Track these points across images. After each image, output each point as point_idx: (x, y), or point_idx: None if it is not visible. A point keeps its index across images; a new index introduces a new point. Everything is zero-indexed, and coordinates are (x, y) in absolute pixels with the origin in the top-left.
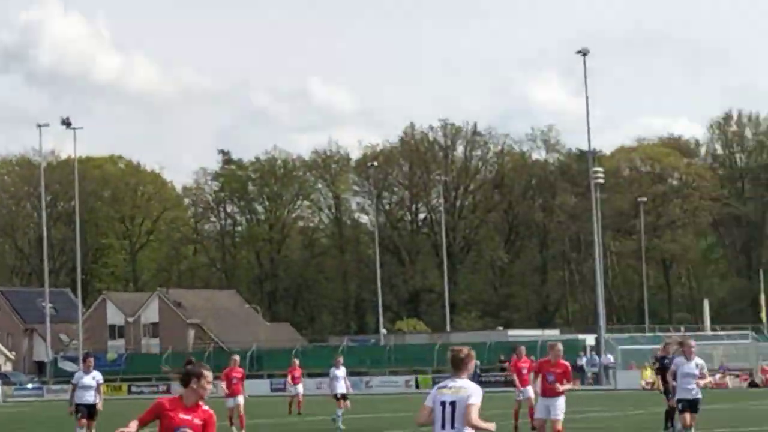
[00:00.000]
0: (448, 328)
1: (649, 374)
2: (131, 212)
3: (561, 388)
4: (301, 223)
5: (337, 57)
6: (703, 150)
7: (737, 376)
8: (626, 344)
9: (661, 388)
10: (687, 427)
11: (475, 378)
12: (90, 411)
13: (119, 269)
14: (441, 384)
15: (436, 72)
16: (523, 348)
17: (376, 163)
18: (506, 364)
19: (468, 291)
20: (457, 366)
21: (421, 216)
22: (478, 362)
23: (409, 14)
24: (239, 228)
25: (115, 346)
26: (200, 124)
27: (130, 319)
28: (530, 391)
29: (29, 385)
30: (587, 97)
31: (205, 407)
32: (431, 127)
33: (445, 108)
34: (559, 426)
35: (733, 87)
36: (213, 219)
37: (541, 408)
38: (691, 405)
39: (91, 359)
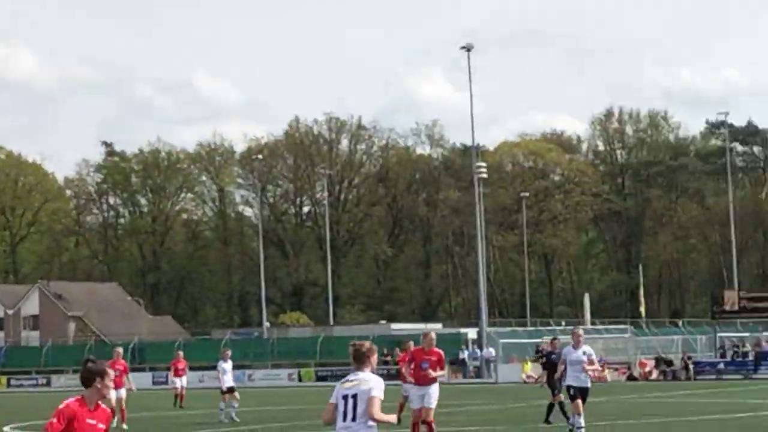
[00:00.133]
0: (331, 321)
1: (530, 367)
2: (11, 203)
3: (434, 374)
4: (184, 216)
5: (222, 49)
6: (584, 146)
7: (616, 369)
8: (508, 338)
9: (547, 382)
10: (579, 414)
11: None
12: None
13: None
14: (344, 379)
15: (322, 66)
16: (411, 342)
17: (260, 156)
18: (389, 358)
19: (351, 284)
20: (360, 360)
21: (306, 209)
22: None
23: (296, 7)
24: (122, 220)
25: None
26: (83, 115)
27: (10, 312)
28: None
29: None
30: (471, 93)
31: (103, 406)
32: (316, 121)
33: (330, 102)
34: (431, 415)
35: (615, 84)
36: (95, 211)
37: (416, 398)
38: (581, 392)
39: None
